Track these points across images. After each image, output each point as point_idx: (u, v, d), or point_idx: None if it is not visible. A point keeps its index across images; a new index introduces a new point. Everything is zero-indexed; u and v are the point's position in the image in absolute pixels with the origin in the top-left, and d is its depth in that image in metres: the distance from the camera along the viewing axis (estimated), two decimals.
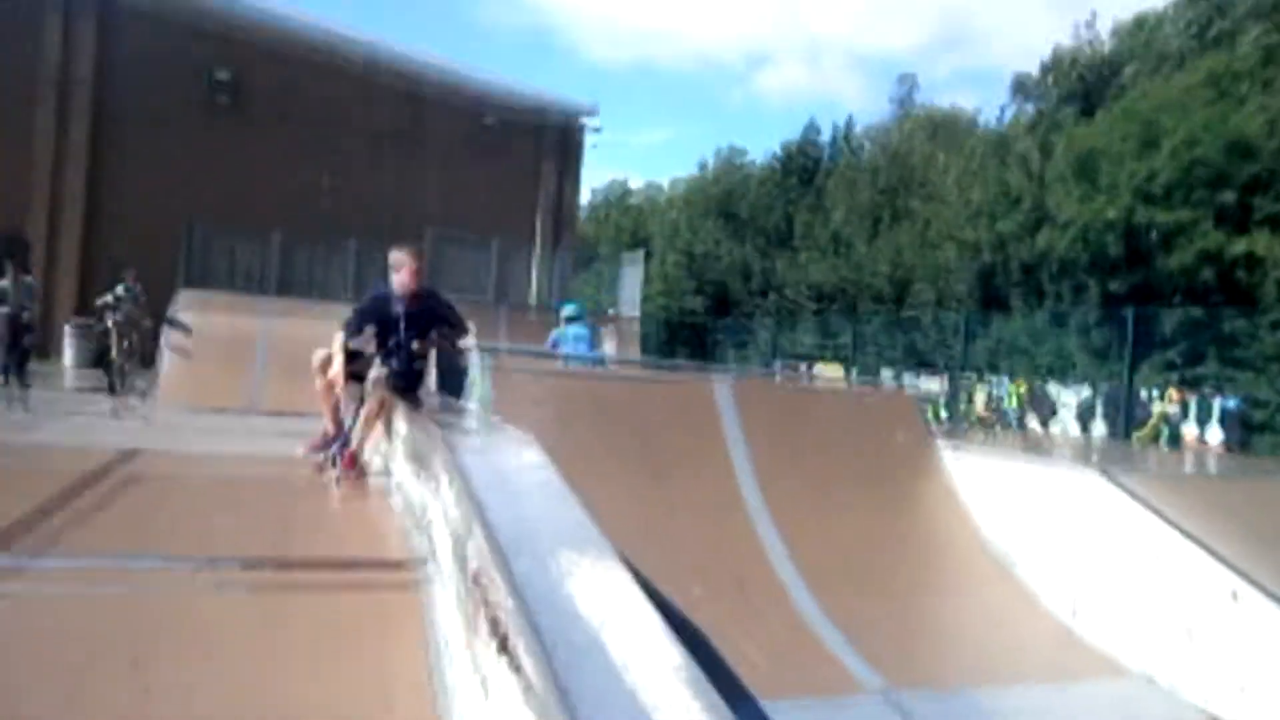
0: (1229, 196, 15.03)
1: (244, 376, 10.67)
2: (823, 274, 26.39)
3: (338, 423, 4.96)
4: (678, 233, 34.41)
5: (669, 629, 1.99)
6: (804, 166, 32.01)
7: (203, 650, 2.53)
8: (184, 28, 17.15)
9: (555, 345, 8.36)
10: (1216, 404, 12.52)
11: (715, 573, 4.19)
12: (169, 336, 10.41)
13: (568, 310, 8.90)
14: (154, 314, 11.23)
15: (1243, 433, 12.41)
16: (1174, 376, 13.99)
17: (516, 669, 1.86)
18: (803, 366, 20.39)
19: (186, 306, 10.81)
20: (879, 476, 5.27)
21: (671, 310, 31.38)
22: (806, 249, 28.13)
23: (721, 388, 5.40)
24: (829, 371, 19.60)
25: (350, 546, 3.43)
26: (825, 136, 33.15)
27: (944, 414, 16.58)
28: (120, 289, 10.87)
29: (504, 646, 2.01)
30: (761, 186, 32.29)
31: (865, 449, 5.42)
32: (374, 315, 5.08)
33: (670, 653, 1.85)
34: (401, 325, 5.11)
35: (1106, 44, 25.28)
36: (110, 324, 10.68)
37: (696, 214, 34.25)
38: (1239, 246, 14.72)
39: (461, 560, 2.58)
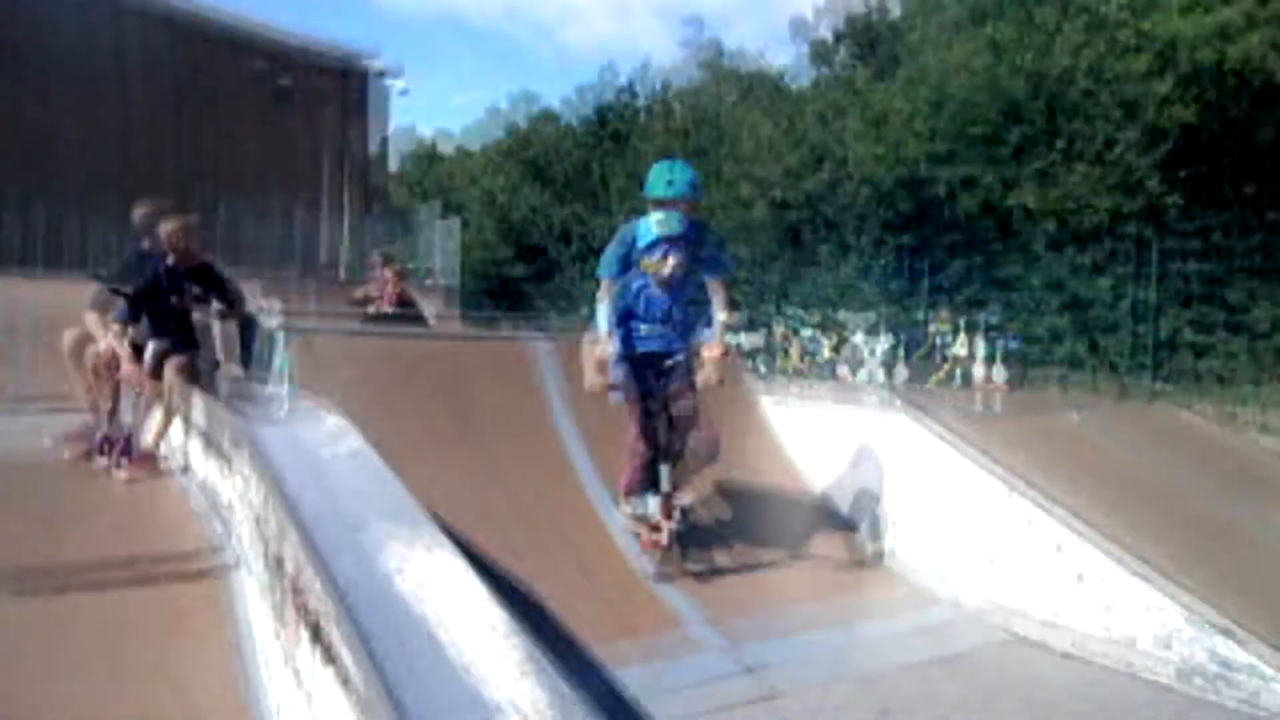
0: (1003, 153, 16.46)
1: None
2: None
3: (105, 411, 4.41)
4: (494, 200, 33.59)
5: (510, 619, 1.88)
6: (617, 130, 32.00)
7: None
8: None
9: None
10: (1000, 345, 13.72)
11: (550, 542, 4.10)
12: None
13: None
14: None
15: (1022, 369, 13.70)
16: (962, 321, 15.23)
17: (344, 682, 1.70)
18: None
19: None
20: None
21: (492, 276, 30.77)
22: (623, 211, 28.26)
23: (542, 346, 5.32)
24: None
25: (145, 548, 3.08)
26: (626, 89, 33.00)
27: (763, 368, 17.24)
28: None
29: (330, 657, 1.84)
30: (577, 149, 32.06)
31: None
32: (141, 281, 4.50)
33: (514, 646, 1.75)
34: (185, 292, 4.60)
35: (895, 8, 26.72)
36: None
37: (512, 179, 33.54)
38: (1013, 199, 16.17)
39: (276, 563, 2.35)
